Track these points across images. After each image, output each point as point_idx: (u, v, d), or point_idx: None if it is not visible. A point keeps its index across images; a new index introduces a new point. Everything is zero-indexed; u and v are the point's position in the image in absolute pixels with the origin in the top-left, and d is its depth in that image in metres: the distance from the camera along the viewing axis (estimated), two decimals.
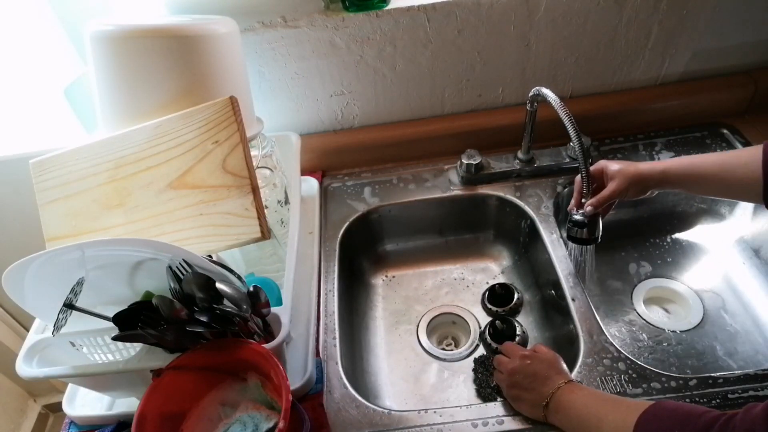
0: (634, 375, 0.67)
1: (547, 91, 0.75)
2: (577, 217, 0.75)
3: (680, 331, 0.85)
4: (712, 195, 0.85)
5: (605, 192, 0.73)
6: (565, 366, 0.66)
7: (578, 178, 0.75)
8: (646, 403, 0.54)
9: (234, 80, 0.74)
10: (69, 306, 0.56)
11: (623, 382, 0.66)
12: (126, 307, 0.57)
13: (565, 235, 0.81)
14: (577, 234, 0.76)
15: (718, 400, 0.63)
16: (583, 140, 0.70)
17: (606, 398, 0.59)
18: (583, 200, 0.74)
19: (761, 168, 0.62)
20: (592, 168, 0.75)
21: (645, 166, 0.72)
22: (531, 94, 0.80)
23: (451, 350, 0.89)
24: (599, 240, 0.76)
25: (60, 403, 0.72)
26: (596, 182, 0.75)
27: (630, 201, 0.76)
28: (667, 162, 0.72)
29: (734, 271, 0.90)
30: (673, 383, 0.65)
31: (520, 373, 0.66)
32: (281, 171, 0.84)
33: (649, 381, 0.66)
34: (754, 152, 0.63)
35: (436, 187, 0.97)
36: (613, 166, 0.73)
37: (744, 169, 0.64)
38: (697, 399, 0.64)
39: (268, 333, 0.64)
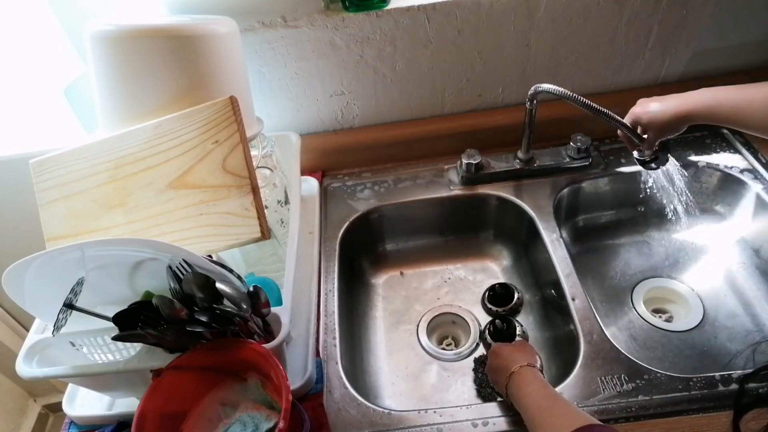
0: (633, 375, 0.67)
1: (547, 85, 0.75)
2: (637, 156, 0.78)
3: (680, 331, 0.84)
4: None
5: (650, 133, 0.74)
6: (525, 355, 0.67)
7: (620, 132, 0.77)
8: (584, 419, 0.52)
9: (234, 80, 0.74)
10: (69, 306, 0.56)
11: (623, 381, 0.66)
12: (126, 307, 0.57)
13: (565, 234, 0.81)
14: (652, 166, 0.78)
15: (718, 400, 0.64)
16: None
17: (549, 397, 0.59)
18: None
19: None
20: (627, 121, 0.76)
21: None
22: (531, 92, 0.80)
23: (451, 350, 0.89)
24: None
25: (60, 403, 0.72)
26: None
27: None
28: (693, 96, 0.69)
29: (734, 271, 0.90)
30: (672, 383, 0.65)
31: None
32: (281, 171, 0.84)
33: (649, 381, 0.66)
34: None
35: (436, 187, 0.97)
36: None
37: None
38: (697, 398, 0.64)
39: (268, 333, 0.64)
